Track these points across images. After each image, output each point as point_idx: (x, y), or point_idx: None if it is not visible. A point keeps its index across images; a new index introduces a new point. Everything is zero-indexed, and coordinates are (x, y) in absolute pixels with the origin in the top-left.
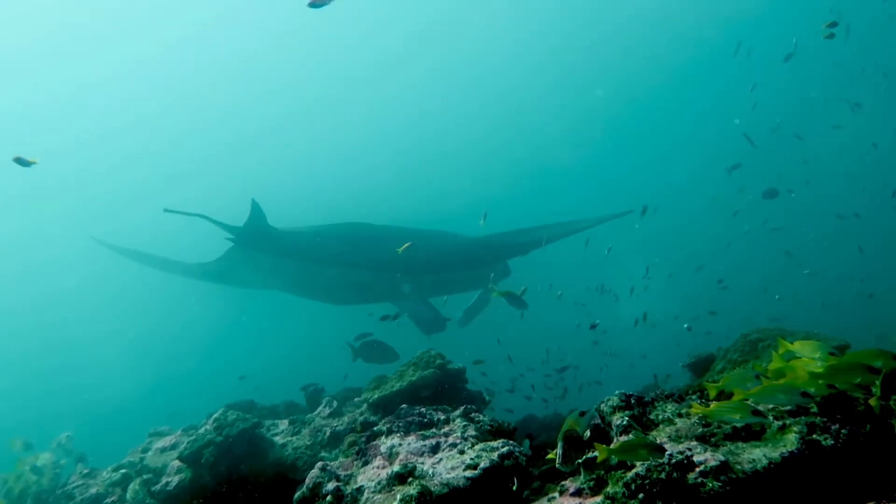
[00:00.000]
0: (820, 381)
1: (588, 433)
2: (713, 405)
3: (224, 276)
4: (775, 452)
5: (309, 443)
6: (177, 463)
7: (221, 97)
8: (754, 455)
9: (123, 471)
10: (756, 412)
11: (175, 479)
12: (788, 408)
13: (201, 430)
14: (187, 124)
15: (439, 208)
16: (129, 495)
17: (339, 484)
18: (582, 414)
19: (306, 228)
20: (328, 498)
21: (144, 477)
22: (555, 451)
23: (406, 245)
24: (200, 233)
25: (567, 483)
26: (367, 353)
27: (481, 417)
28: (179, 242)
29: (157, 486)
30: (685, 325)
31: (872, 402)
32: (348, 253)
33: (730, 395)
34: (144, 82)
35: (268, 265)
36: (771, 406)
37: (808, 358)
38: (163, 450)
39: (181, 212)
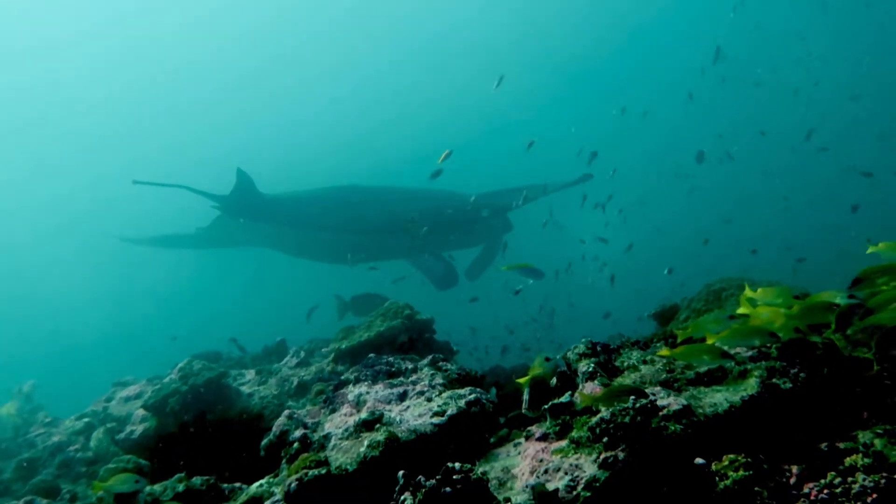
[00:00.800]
0: (789, 322)
1: (555, 380)
2: (683, 347)
3: (218, 241)
4: (736, 396)
5: (276, 392)
6: (141, 412)
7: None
8: (716, 399)
9: (87, 419)
10: (725, 354)
11: (140, 428)
12: (749, 353)
13: (166, 380)
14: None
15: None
16: (92, 443)
17: (306, 431)
18: (547, 360)
19: (299, 193)
20: (295, 445)
21: (108, 426)
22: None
23: (412, 219)
24: (178, 205)
25: (533, 429)
26: (358, 306)
27: (448, 366)
28: (160, 214)
29: (122, 435)
30: (666, 270)
31: (828, 333)
32: (341, 217)
33: (699, 342)
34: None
35: (261, 230)
36: (733, 351)
37: (772, 303)
38: (127, 399)
39: (157, 183)
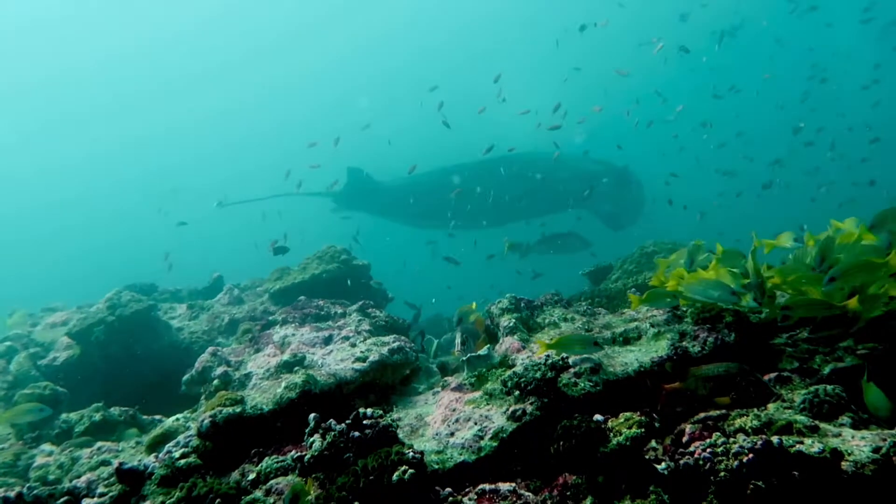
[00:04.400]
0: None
1: (480, 333)
2: (646, 294)
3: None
4: (646, 357)
5: (206, 328)
6: (66, 339)
7: None
8: (627, 359)
9: (9, 343)
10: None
11: (63, 355)
12: (664, 317)
13: (93, 309)
14: None
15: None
16: (13, 367)
17: (227, 369)
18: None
19: (407, 180)
20: (215, 382)
21: (31, 350)
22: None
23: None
24: None
25: (450, 379)
26: (557, 245)
27: (377, 313)
28: None
29: (45, 361)
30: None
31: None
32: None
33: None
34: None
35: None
36: (651, 313)
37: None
38: (53, 325)
39: (245, 200)
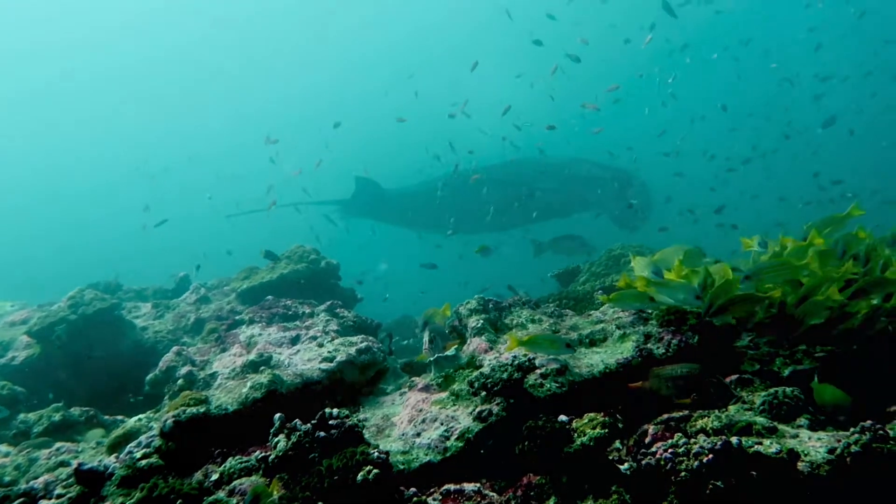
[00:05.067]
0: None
1: (448, 334)
2: (613, 294)
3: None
4: (612, 359)
5: (171, 328)
6: (25, 338)
7: None
8: (593, 360)
9: None
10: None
11: (22, 355)
12: (630, 319)
13: (55, 307)
14: None
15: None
16: None
17: (192, 369)
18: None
19: (414, 187)
20: (179, 381)
21: None
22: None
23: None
24: None
25: (417, 379)
26: (558, 246)
27: (346, 313)
28: None
29: (3, 360)
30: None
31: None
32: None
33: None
34: None
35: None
36: (617, 315)
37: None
38: (13, 324)
39: (251, 211)
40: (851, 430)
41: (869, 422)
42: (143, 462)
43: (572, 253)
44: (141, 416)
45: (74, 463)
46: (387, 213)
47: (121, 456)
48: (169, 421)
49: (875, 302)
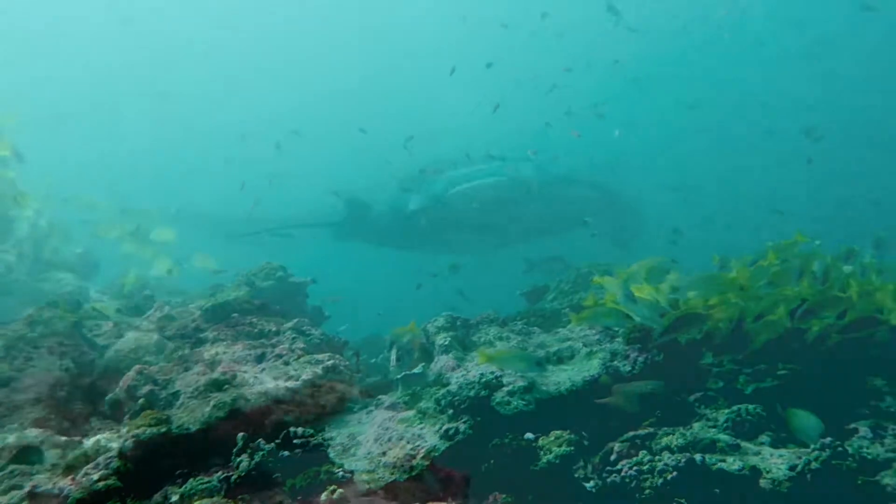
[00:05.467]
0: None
1: (416, 351)
2: (584, 312)
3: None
4: (579, 376)
5: (133, 346)
6: None
7: None
8: (560, 378)
9: None
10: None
11: None
12: (597, 336)
13: (13, 326)
14: None
15: None
16: None
17: (154, 388)
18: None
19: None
20: (141, 401)
21: None
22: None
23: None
24: None
25: (383, 397)
26: (543, 267)
27: (312, 331)
28: None
29: None
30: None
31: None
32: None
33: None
34: None
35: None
36: (584, 333)
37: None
38: None
39: (255, 231)
40: (812, 446)
41: (829, 438)
42: (101, 484)
43: (557, 273)
44: (100, 436)
45: (28, 486)
46: (380, 234)
47: (77, 478)
48: (129, 441)
49: (829, 320)
